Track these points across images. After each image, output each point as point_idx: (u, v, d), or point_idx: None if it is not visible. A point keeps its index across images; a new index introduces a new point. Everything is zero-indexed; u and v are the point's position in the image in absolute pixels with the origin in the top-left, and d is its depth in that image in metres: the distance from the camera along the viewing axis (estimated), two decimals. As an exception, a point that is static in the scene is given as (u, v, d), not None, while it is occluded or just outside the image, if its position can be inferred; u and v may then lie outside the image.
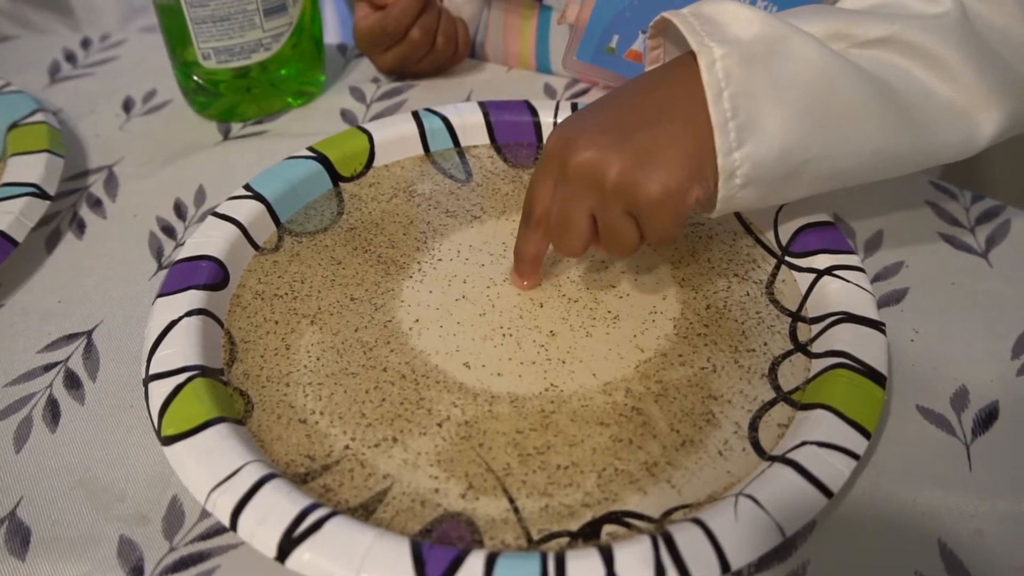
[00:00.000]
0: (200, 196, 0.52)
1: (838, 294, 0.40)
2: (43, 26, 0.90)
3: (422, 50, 0.60)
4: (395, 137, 0.52)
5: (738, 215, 0.47)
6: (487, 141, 0.53)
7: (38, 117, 0.53)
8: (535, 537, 0.32)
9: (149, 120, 0.60)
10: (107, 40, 0.70)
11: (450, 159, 0.52)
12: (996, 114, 0.39)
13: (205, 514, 0.34)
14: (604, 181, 0.36)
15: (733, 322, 0.41)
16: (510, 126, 0.53)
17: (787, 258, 0.44)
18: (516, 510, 0.33)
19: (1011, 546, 0.33)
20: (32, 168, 0.49)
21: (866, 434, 0.34)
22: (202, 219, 0.49)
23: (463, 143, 0.53)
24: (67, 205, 0.52)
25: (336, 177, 0.50)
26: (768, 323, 0.41)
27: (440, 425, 0.36)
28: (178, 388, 0.35)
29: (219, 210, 0.45)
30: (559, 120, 0.53)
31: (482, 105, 0.53)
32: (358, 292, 0.43)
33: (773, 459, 0.34)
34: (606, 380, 0.38)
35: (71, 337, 0.43)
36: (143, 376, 0.36)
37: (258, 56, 0.56)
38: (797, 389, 0.37)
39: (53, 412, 0.39)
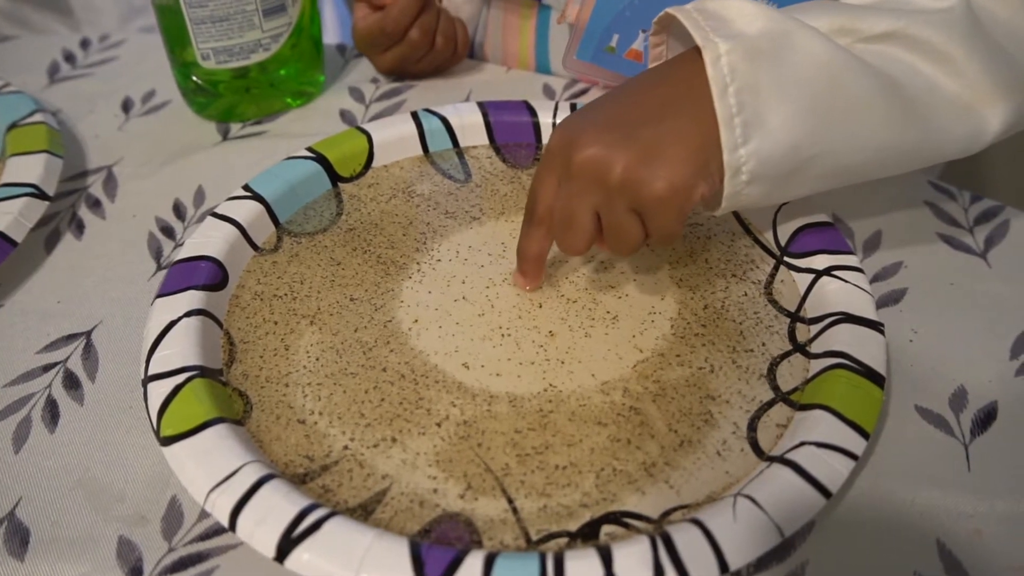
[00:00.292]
0: (199, 196, 0.52)
1: (837, 294, 0.40)
2: (42, 26, 0.90)
3: (421, 50, 0.60)
4: (394, 137, 0.52)
5: (737, 215, 0.47)
6: (486, 141, 0.53)
7: (37, 117, 0.53)
8: (534, 537, 0.32)
9: (148, 120, 0.60)
10: (106, 40, 0.70)
11: (449, 159, 0.52)
12: (1002, 109, 0.38)
13: (204, 514, 0.34)
14: (609, 178, 0.36)
15: (731, 322, 0.41)
16: (509, 126, 0.53)
17: (786, 258, 0.44)
18: (515, 510, 0.33)
19: (1009, 546, 0.33)
20: (31, 168, 0.49)
21: (865, 434, 0.34)
22: (201, 219, 0.49)
23: (462, 143, 0.53)
24: (66, 205, 0.52)
25: (335, 177, 0.50)
26: (766, 323, 0.41)
27: (439, 425, 0.36)
28: (177, 388, 0.35)
29: (218, 210, 0.45)
30: (558, 121, 0.53)
31: (481, 105, 0.53)
32: (357, 292, 0.43)
33: (772, 459, 0.34)
34: (604, 380, 0.38)
35: (70, 337, 0.43)
36: (142, 376, 0.36)
37: (257, 56, 0.56)
38: (796, 389, 0.38)
39: (52, 413, 0.39)
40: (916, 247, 0.47)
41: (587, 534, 0.32)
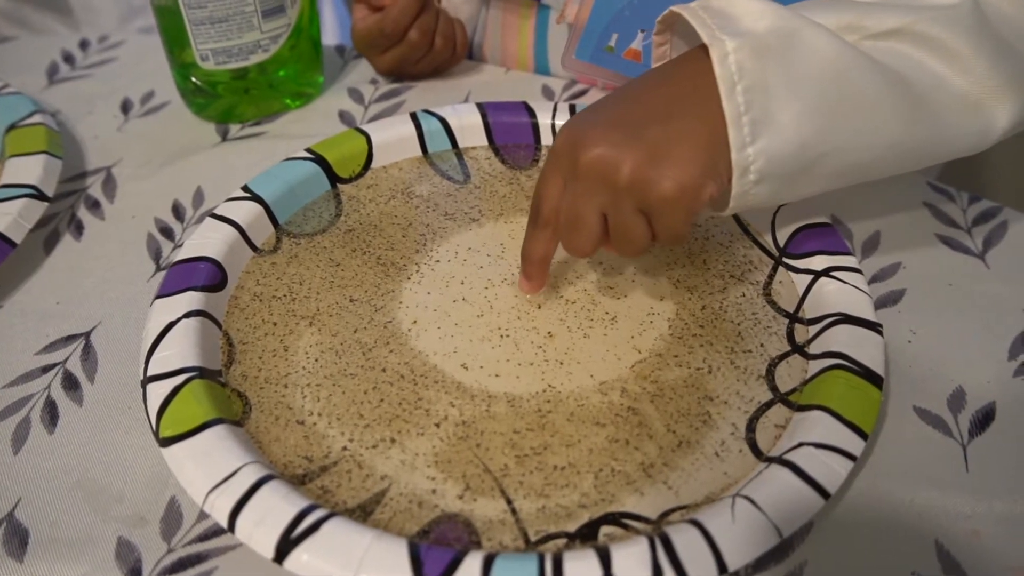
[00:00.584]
0: (198, 197, 0.52)
1: (835, 295, 0.40)
2: (41, 26, 0.90)
3: (420, 51, 0.60)
4: (393, 138, 0.52)
5: (735, 216, 0.47)
6: (485, 142, 0.53)
7: (36, 118, 0.53)
8: (532, 538, 0.32)
9: (147, 121, 0.60)
10: (105, 41, 0.70)
11: (448, 160, 0.52)
12: (1010, 105, 0.38)
13: (203, 515, 0.34)
14: (616, 178, 0.35)
15: (729, 323, 0.41)
16: (508, 127, 0.53)
17: (784, 259, 0.44)
18: (513, 511, 0.33)
19: (1007, 546, 0.33)
20: (30, 169, 0.49)
21: (863, 435, 0.34)
22: (200, 220, 0.49)
23: (461, 144, 0.53)
24: (65, 206, 0.52)
25: (334, 178, 0.50)
26: (765, 324, 0.41)
27: (438, 426, 0.36)
28: (176, 389, 0.35)
29: (217, 211, 0.45)
30: (557, 121, 0.53)
31: (480, 106, 0.53)
32: (357, 293, 0.43)
33: (770, 460, 0.34)
34: (602, 380, 0.38)
35: (69, 338, 0.43)
36: (141, 377, 0.36)
37: (256, 57, 0.56)
38: (794, 390, 0.38)
39: (51, 413, 0.39)
40: (914, 248, 0.47)
41: (586, 535, 0.32)
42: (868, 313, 0.39)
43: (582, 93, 0.62)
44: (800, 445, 0.33)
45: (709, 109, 0.35)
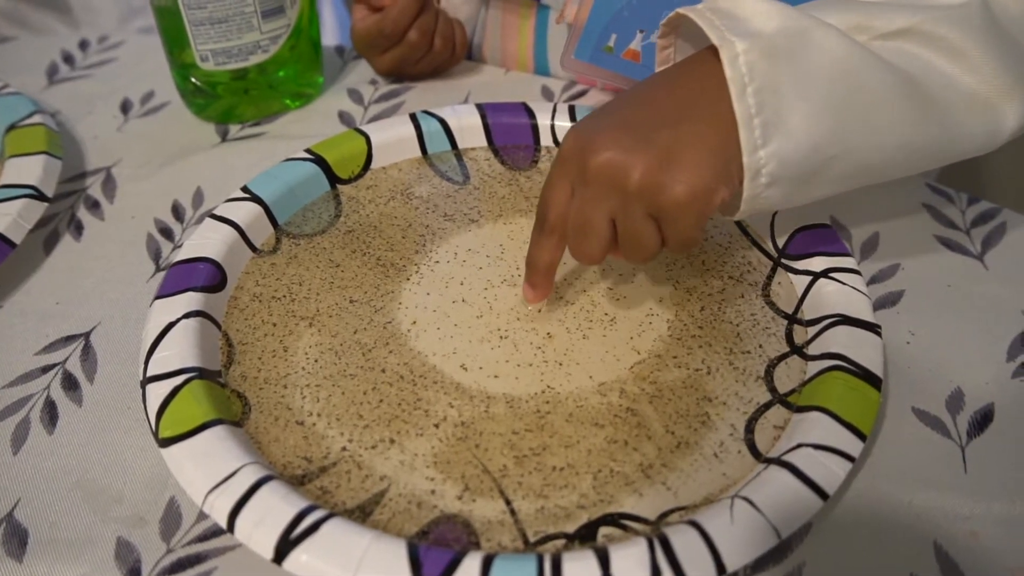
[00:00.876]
0: (198, 198, 0.52)
1: (834, 296, 0.40)
2: (41, 25, 0.91)
3: (419, 52, 0.60)
4: (393, 139, 0.52)
5: (735, 217, 0.47)
6: (484, 143, 0.53)
7: (36, 119, 0.53)
8: (531, 539, 0.32)
9: (147, 122, 0.60)
10: (105, 42, 0.70)
11: (447, 161, 0.52)
12: (1019, 105, 0.38)
13: (202, 516, 0.34)
14: (627, 183, 0.34)
15: (728, 324, 0.41)
16: (507, 128, 0.53)
17: (783, 260, 0.44)
18: (512, 512, 0.33)
19: (1006, 548, 0.33)
20: (30, 170, 0.49)
21: (862, 436, 0.34)
22: (200, 221, 0.49)
23: (460, 145, 0.53)
24: (65, 207, 0.52)
25: (334, 179, 0.50)
26: (763, 325, 0.41)
27: (437, 426, 0.36)
28: (176, 390, 0.35)
29: (217, 212, 0.45)
30: (556, 123, 0.53)
31: (479, 107, 0.53)
32: (356, 294, 0.43)
33: (769, 461, 0.34)
34: (601, 381, 0.38)
35: (69, 339, 0.43)
36: (141, 378, 0.36)
37: (256, 58, 0.56)
38: (793, 391, 0.38)
39: (51, 414, 0.39)
40: (913, 249, 0.47)
41: (584, 536, 0.32)
42: (867, 314, 0.39)
43: (581, 94, 0.62)
44: (799, 446, 0.33)
45: (719, 112, 0.34)
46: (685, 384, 0.38)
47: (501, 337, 0.40)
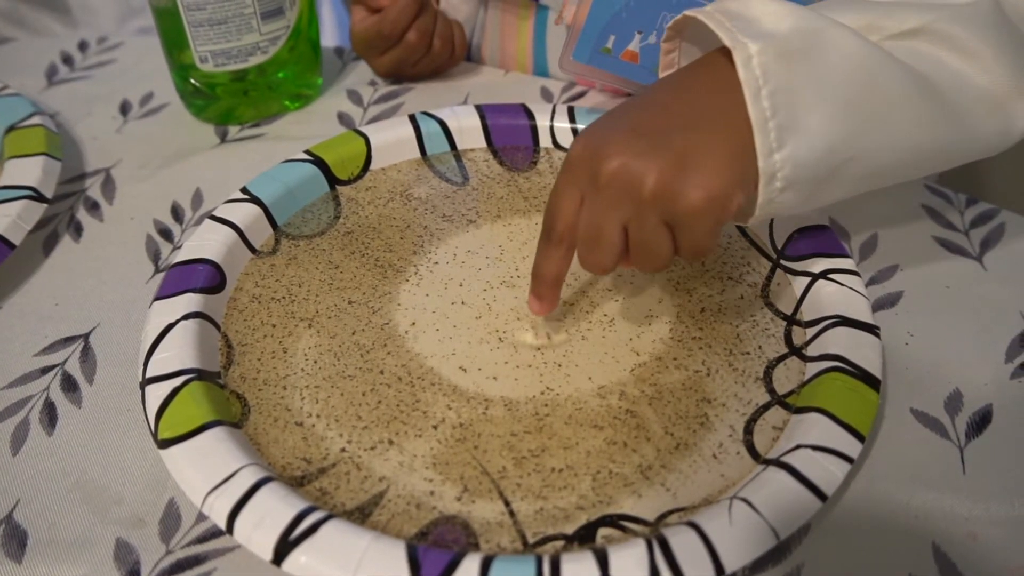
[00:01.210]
0: (197, 199, 0.52)
1: (833, 297, 0.40)
2: (39, 25, 0.91)
3: (418, 53, 0.60)
4: (392, 140, 0.52)
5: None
6: (484, 144, 0.53)
7: (35, 120, 0.53)
8: (530, 540, 0.32)
9: (146, 123, 0.60)
10: (104, 43, 0.70)
11: (447, 162, 0.52)
12: None
13: (201, 517, 0.34)
14: (641, 189, 0.33)
15: (727, 325, 0.41)
16: (507, 129, 0.53)
17: (782, 261, 0.44)
18: (511, 513, 0.33)
19: (1004, 549, 0.33)
20: (29, 171, 0.49)
21: (860, 437, 0.34)
22: (199, 222, 0.49)
23: (460, 146, 0.53)
24: (64, 208, 0.52)
25: (333, 180, 0.50)
26: (763, 326, 0.41)
27: (436, 428, 0.36)
28: (175, 391, 0.35)
29: (216, 213, 0.45)
30: (555, 124, 0.53)
31: (479, 108, 0.53)
32: (355, 295, 0.43)
33: (767, 462, 0.34)
34: (601, 383, 0.38)
35: (68, 340, 0.43)
36: (140, 379, 0.36)
37: (255, 59, 0.56)
38: (792, 392, 0.38)
39: (50, 415, 0.39)
40: (912, 250, 0.47)
41: (583, 537, 0.32)
42: (866, 315, 0.39)
43: (580, 95, 0.62)
44: (797, 447, 0.33)
45: (733, 115, 0.34)
46: (685, 386, 0.38)
47: (500, 339, 0.40)
